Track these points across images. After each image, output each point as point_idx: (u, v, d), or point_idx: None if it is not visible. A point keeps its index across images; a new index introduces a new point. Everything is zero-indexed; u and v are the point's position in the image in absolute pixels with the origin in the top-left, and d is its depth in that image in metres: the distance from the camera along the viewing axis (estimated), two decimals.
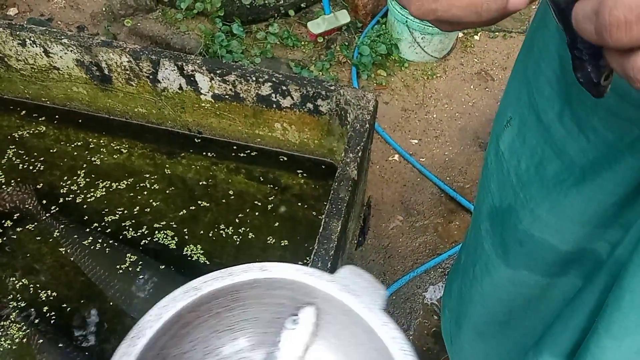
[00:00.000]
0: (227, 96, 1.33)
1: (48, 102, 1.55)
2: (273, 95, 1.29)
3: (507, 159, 0.61)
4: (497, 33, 2.44)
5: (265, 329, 0.61)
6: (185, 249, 1.32)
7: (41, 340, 1.22)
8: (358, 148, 1.14)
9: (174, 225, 1.36)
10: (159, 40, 2.19)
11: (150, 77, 1.34)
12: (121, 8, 2.25)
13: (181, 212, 1.38)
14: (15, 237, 1.35)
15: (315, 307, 0.58)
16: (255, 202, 1.41)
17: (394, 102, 2.17)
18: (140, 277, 1.27)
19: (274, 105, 1.32)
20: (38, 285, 1.27)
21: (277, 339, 0.59)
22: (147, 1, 2.28)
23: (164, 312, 0.53)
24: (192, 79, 1.31)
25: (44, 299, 1.25)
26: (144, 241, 1.34)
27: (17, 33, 1.36)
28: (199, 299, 0.54)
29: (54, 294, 1.26)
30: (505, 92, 0.65)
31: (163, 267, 1.30)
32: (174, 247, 1.33)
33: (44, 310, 1.24)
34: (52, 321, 1.23)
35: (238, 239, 1.34)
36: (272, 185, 1.45)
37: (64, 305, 1.25)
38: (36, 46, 1.37)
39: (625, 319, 0.55)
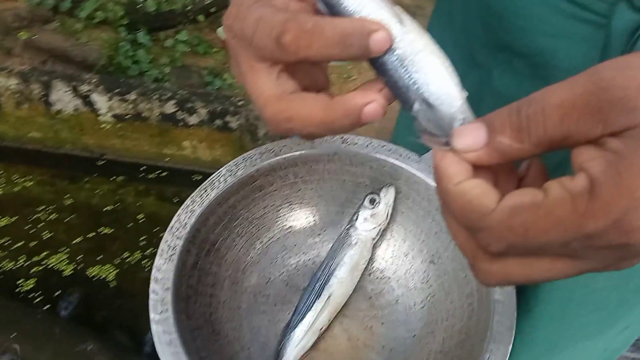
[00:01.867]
0: (128, 116, 1.25)
1: None
2: (178, 113, 1.23)
3: None
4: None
5: (340, 208, 0.58)
6: (89, 274, 1.24)
7: None
8: None
9: (78, 256, 1.27)
10: (58, 53, 2.05)
11: (43, 99, 1.24)
12: (14, 20, 2.08)
13: (85, 241, 1.29)
14: None
15: (395, 188, 0.54)
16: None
17: None
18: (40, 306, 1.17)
19: (181, 123, 1.26)
20: None
21: (351, 219, 0.56)
22: (43, 11, 2.12)
23: (238, 170, 0.52)
24: (88, 99, 1.22)
25: None
26: (45, 272, 1.24)
27: None
28: (275, 162, 0.53)
29: None
30: None
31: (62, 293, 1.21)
32: (73, 273, 1.24)
33: None
34: None
35: (149, 264, 1.26)
36: None
37: None
38: None
39: None
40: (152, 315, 0.45)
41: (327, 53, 0.29)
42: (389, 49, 0.29)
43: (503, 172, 0.29)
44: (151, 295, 0.46)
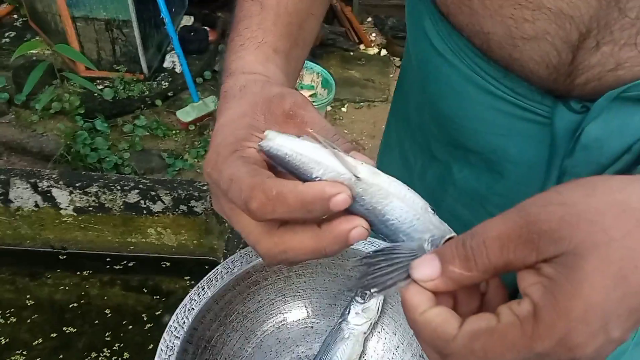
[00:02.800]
0: (90, 208, 1.24)
1: None
2: (142, 201, 1.22)
3: None
4: (362, 104, 2.56)
5: (333, 300, 0.59)
6: None
7: None
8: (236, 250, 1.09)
9: (41, 357, 1.21)
10: (13, 145, 2.03)
11: (1, 197, 1.22)
12: None
13: (49, 340, 1.24)
14: None
15: None
16: (136, 315, 1.30)
17: None
18: None
19: (145, 212, 1.25)
20: None
21: (343, 313, 0.57)
22: None
23: (235, 267, 0.53)
24: (48, 194, 1.20)
25: None
26: None
27: None
28: None
29: None
30: None
31: None
32: None
33: None
34: None
35: None
36: (153, 294, 1.35)
37: None
38: None
39: None
40: None
41: (291, 217, 0.31)
42: (353, 202, 0.32)
43: (466, 291, 0.32)
44: None
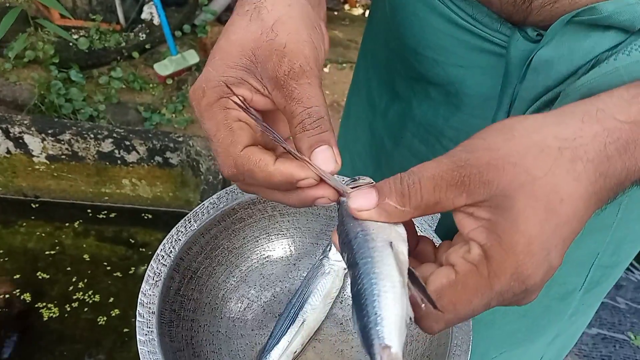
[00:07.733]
0: (63, 156, 1.22)
1: None
2: (116, 151, 1.21)
3: None
4: (344, 65, 2.54)
5: (315, 239, 0.61)
6: (28, 320, 1.18)
7: None
8: None
9: (15, 301, 1.21)
10: None
11: None
12: None
13: (22, 285, 1.24)
14: None
15: None
16: (110, 265, 1.30)
17: None
18: None
19: (119, 162, 1.24)
20: None
21: (325, 250, 0.59)
22: None
23: (221, 203, 0.55)
24: (20, 141, 1.18)
25: None
26: None
27: None
28: (255, 196, 0.56)
29: None
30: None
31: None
32: (13, 319, 1.18)
33: None
34: None
35: (90, 308, 1.23)
36: (128, 245, 1.35)
37: None
38: None
39: None
40: (138, 337, 0.48)
41: (258, 188, 0.36)
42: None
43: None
44: (138, 318, 0.48)
